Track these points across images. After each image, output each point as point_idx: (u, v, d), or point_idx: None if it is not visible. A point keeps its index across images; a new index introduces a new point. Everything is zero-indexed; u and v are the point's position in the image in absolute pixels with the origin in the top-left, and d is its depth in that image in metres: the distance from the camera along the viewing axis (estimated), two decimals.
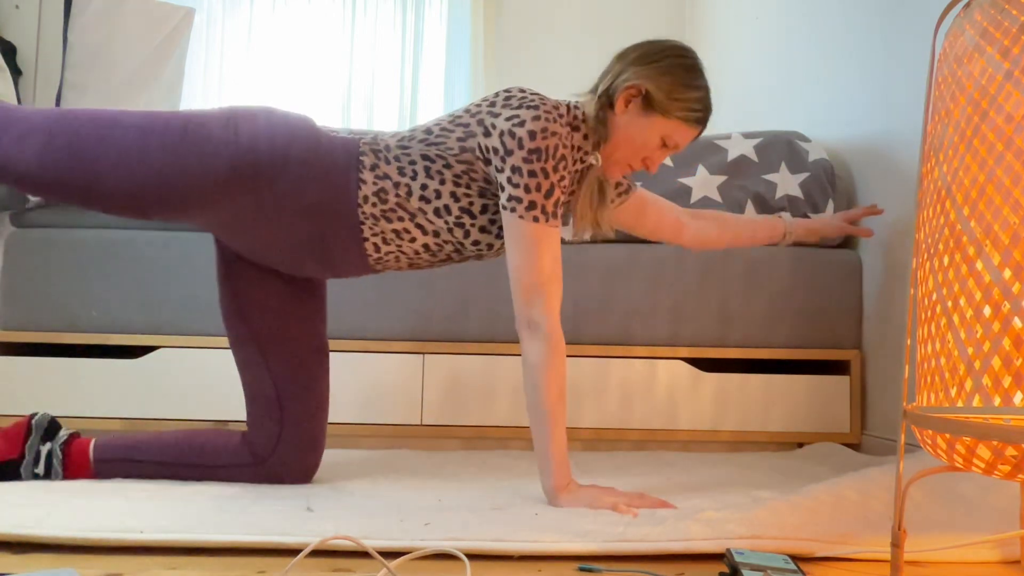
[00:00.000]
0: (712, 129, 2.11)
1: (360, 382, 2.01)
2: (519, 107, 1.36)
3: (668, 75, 1.39)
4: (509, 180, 1.34)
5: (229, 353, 1.98)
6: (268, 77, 3.83)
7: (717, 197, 2.06)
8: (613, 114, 1.43)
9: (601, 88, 1.45)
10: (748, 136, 2.14)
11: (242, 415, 1.97)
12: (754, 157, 2.10)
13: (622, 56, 1.45)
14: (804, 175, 2.08)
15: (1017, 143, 0.86)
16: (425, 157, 1.40)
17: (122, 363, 2.00)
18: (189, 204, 1.35)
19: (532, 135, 1.33)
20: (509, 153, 1.34)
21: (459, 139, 1.39)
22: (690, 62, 1.42)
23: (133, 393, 1.99)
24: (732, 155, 2.09)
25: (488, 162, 1.38)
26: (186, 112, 1.38)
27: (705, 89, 1.42)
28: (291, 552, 1.01)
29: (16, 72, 3.26)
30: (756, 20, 2.98)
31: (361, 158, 1.41)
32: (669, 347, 2.07)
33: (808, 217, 2.06)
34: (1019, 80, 0.86)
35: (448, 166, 1.40)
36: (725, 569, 1.00)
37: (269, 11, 3.86)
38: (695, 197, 2.06)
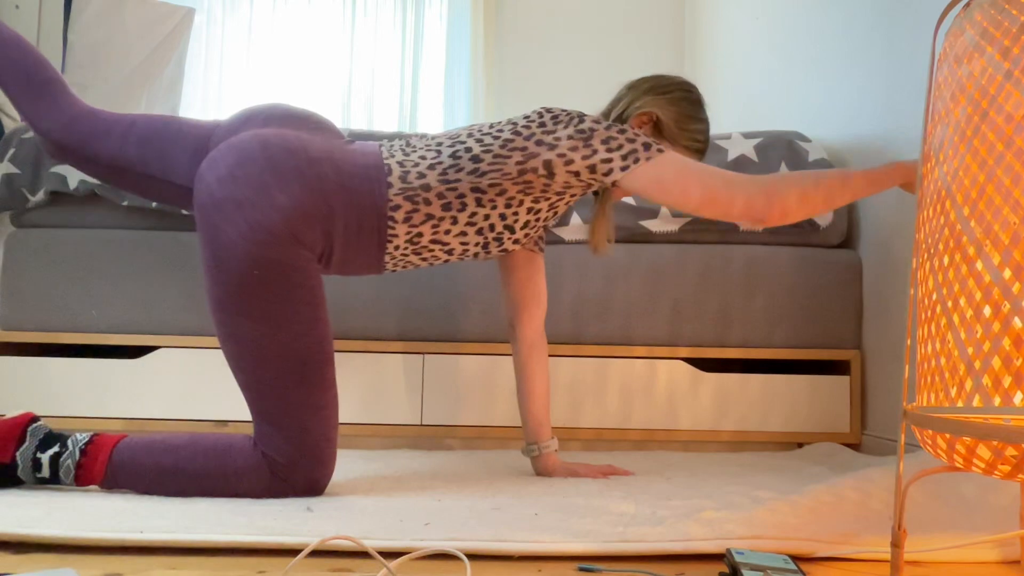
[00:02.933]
0: (712, 128, 2.10)
1: (360, 382, 2.01)
2: (570, 119, 1.43)
3: (677, 106, 1.51)
4: (608, 150, 1.39)
5: None
6: (268, 77, 3.83)
7: None
8: None
9: (615, 114, 1.54)
10: (748, 136, 2.14)
11: (241, 415, 1.98)
12: (754, 157, 2.10)
13: (633, 86, 1.55)
14: None
15: (1017, 143, 0.86)
16: (476, 189, 1.41)
17: (122, 363, 2.00)
18: (314, 305, 1.35)
19: (597, 121, 1.42)
20: (590, 138, 1.40)
21: (518, 163, 1.42)
22: (696, 97, 1.54)
23: (133, 393, 1.99)
24: (732, 155, 2.09)
25: (553, 174, 1.41)
26: (232, 284, 1.31)
27: (707, 123, 1.54)
28: (291, 552, 1.01)
29: None
30: (756, 20, 2.98)
31: (392, 213, 1.39)
32: (669, 347, 2.07)
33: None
34: (1019, 80, 0.86)
35: (502, 192, 1.42)
36: (725, 569, 1.00)
37: (269, 11, 3.87)
38: None
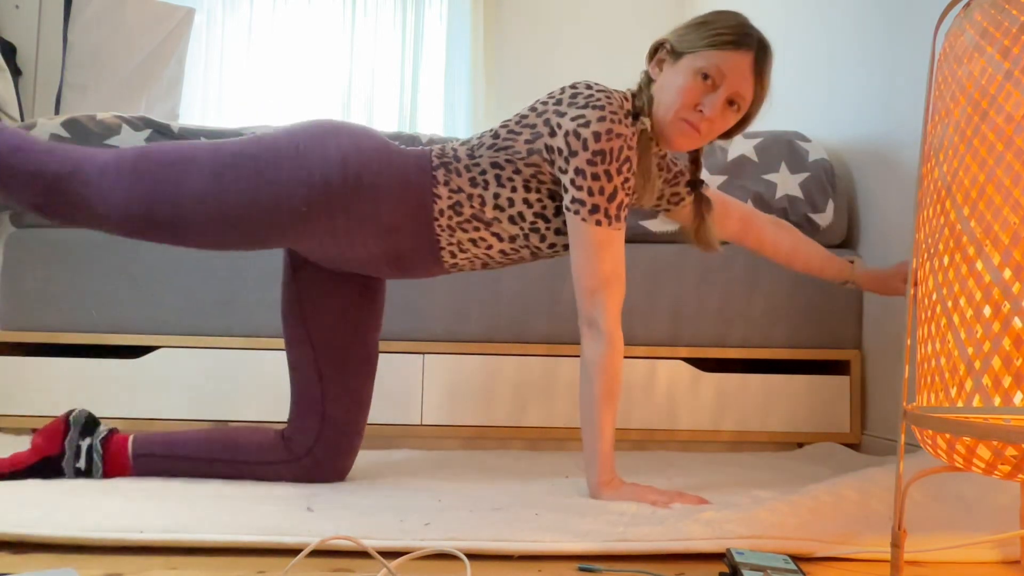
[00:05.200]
0: None
1: None
2: (585, 106, 1.35)
3: (687, 22, 1.42)
4: (572, 182, 1.35)
5: (229, 353, 1.99)
6: (268, 77, 3.83)
7: None
8: (655, 83, 1.43)
9: (640, 81, 1.47)
10: (748, 136, 2.14)
11: (242, 415, 1.98)
12: (754, 157, 2.10)
13: None
14: (804, 175, 2.08)
15: (1017, 143, 0.86)
16: (495, 165, 1.41)
17: (122, 363, 2.00)
18: (268, 238, 1.39)
19: (597, 136, 1.33)
20: (573, 154, 1.34)
21: (527, 141, 1.40)
22: (712, 11, 1.42)
23: (133, 393, 1.99)
24: (732, 155, 2.09)
25: (553, 163, 1.39)
26: (255, 144, 1.37)
27: (734, 18, 1.38)
28: (291, 552, 1.01)
29: (16, 72, 3.27)
30: (756, 20, 2.98)
31: (434, 173, 1.42)
32: (669, 347, 2.07)
33: (810, 216, 2.06)
34: (1019, 80, 0.86)
35: (518, 171, 1.40)
36: (725, 569, 1.00)
37: (269, 11, 3.87)
38: None
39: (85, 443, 1.44)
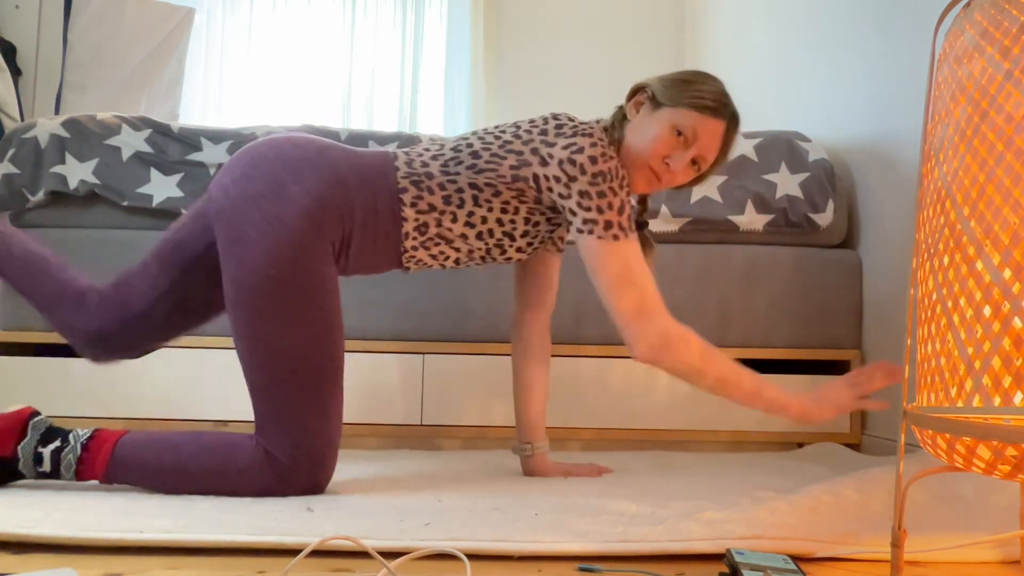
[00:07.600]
0: None
1: (360, 382, 2.01)
2: (574, 135, 1.39)
3: (672, 75, 1.46)
4: (579, 204, 1.36)
5: (229, 353, 1.99)
6: (268, 77, 3.83)
7: (717, 197, 2.06)
8: (629, 123, 1.48)
9: (619, 110, 1.52)
10: (748, 136, 2.14)
11: (242, 415, 1.98)
12: (754, 157, 2.10)
13: None
14: (804, 175, 2.08)
15: (1017, 143, 0.86)
16: (473, 186, 1.42)
17: (122, 363, 2.00)
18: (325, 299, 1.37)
19: (593, 160, 1.36)
20: (573, 180, 1.36)
21: (512, 167, 1.41)
22: (691, 71, 1.47)
23: (133, 393, 1.99)
24: (732, 155, 2.09)
25: (540, 190, 1.41)
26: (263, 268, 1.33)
27: (716, 85, 1.44)
28: (291, 552, 1.01)
29: (16, 72, 3.27)
30: (756, 20, 2.98)
31: (401, 196, 1.42)
32: None
33: (810, 216, 2.06)
34: (1019, 80, 0.86)
35: (497, 194, 1.42)
36: (725, 569, 1.00)
37: (269, 11, 3.87)
38: (695, 197, 2.06)
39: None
